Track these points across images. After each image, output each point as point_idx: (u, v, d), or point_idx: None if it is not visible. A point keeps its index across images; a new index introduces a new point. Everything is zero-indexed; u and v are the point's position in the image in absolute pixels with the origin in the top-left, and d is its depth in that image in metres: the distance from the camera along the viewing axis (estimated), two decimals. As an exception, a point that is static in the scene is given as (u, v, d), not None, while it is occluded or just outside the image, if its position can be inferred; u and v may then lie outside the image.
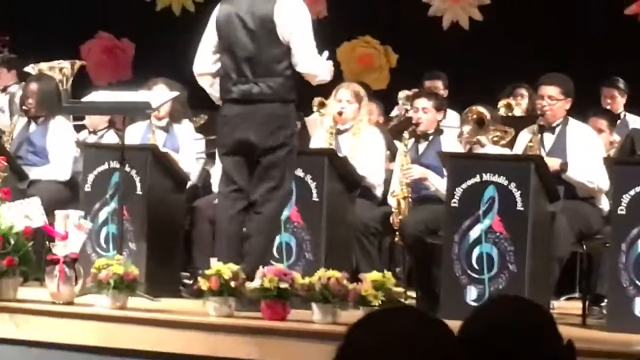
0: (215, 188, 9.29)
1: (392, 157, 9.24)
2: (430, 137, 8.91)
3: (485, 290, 7.66)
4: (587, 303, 8.31)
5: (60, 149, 9.59)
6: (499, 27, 13.13)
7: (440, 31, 13.62)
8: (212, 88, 7.96)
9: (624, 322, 7.38)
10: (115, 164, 8.57)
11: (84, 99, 9.15)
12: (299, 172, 8.26)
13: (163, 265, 8.65)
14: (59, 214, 7.91)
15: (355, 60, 13.74)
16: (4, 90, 11.16)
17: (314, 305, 7.20)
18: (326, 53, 7.91)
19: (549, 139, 8.58)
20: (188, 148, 9.58)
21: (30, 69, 10.50)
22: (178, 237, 9.04)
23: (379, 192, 9.09)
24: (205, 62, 7.91)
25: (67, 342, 7.46)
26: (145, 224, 8.60)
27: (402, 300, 7.30)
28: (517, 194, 7.69)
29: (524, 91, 11.04)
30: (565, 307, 8.66)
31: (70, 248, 7.72)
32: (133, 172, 8.65)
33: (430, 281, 8.25)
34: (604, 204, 8.41)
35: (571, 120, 8.63)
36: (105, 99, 9.05)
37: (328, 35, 13.36)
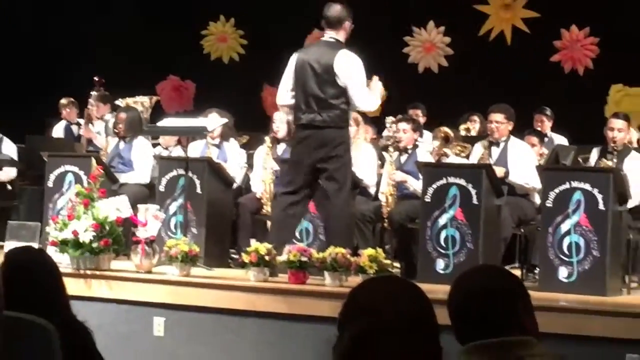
0: (254, 189, 9.31)
1: (381, 165, 9.22)
2: (410, 151, 8.90)
3: (450, 262, 7.64)
4: (524, 271, 8.31)
5: (142, 160, 9.58)
6: (459, 71, 13.15)
7: (417, 73, 13.64)
8: (289, 116, 7.97)
9: (551, 285, 7.36)
10: (181, 171, 8.55)
11: (159, 124, 9.16)
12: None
13: (216, 244, 8.62)
14: (140, 207, 7.91)
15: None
16: (101, 118, 11.16)
17: (326, 273, 7.20)
18: (376, 78, 7.93)
19: (495, 151, 8.55)
20: (234, 160, 9.57)
21: (120, 102, 10.49)
22: (227, 224, 9.01)
23: (372, 190, 9.07)
24: (284, 96, 7.84)
25: (147, 300, 7.49)
26: (204, 215, 8.56)
27: (390, 269, 7.28)
28: (473, 192, 7.67)
29: (476, 117, 11.07)
30: (508, 274, 8.61)
31: (149, 232, 7.74)
32: (194, 177, 8.63)
33: (410, 256, 8.23)
34: (536, 199, 8.39)
35: (512, 137, 8.61)
36: (174, 124, 9.06)
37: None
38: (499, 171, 8.16)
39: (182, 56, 14.41)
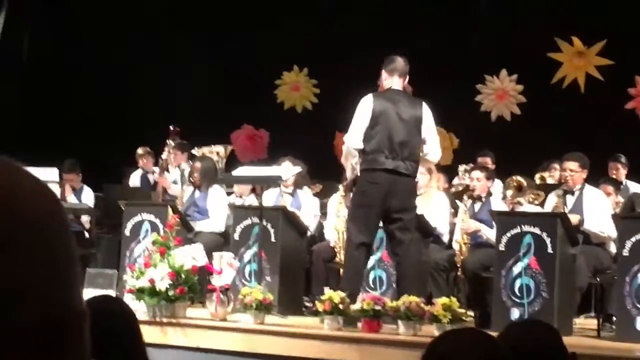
0: (327, 237, 9.32)
1: (454, 214, 9.18)
2: (483, 199, 8.85)
3: (525, 311, 7.55)
4: (600, 320, 8.17)
5: (217, 209, 9.67)
6: (533, 118, 13.06)
7: (489, 122, 13.58)
8: (354, 159, 7.92)
9: (629, 335, 7.25)
10: (256, 220, 8.60)
11: (234, 173, 9.23)
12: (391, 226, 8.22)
13: (290, 292, 8.65)
14: (216, 255, 7.96)
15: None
16: (178, 166, 11.29)
17: (399, 322, 7.16)
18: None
19: (570, 200, 8.48)
20: (308, 208, 9.61)
21: (196, 151, 10.61)
22: (301, 272, 9.03)
23: (445, 239, 9.04)
24: (359, 140, 7.84)
25: (221, 348, 7.50)
26: (278, 263, 8.60)
27: (464, 319, 7.21)
28: (548, 240, 7.58)
29: (557, 165, 10.93)
30: (584, 323, 8.49)
31: (224, 280, 7.77)
32: (268, 225, 8.67)
33: (485, 304, 8.15)
34: (612, 248, 8.29)
35: (587, 186, 8.54)
36: (248, 173, 9.12)
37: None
38: (574, 219, 8.07)
39: (256, 105, 14.52)
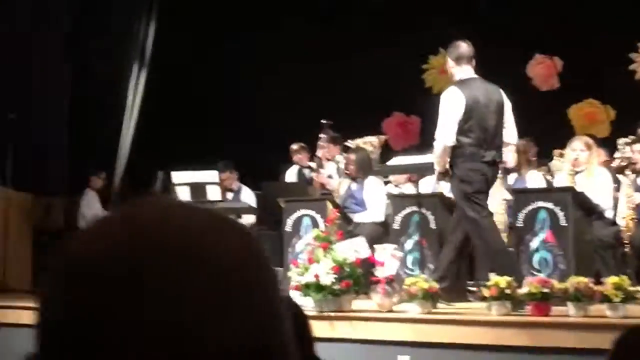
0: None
1: (617, 188, 8.94)
2: (647, 172, 8.61)
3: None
4: None
5: (375, 199, 9.69)
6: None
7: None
8: (445, 152, 7.89)
9: None
10: (414, 208, 8.58)
11: (388, 163, 9.23)
12: (549, 205, 8.10)
13: (455, 279, 8.58)
14: (378, 247, 7.97)
15: (582, 117, 13.40)
16: (332, 159, 11.34)
17: (569, 304, 7.01)
18: None
19: None
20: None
21: (350, 143, 10.65)
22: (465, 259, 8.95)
23: (609, 214, 8.82)
24: (453, 135, 7.85)
25: (391, 339, 7.50)
26: (438, 250, 8.55)
27: (637, 297, 7.01)
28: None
29: None
30: None
31: (388, 271, 7.77)
32: (427, 213, 8.64)
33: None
34: None
35: None
36: (403, 162, 9.10)
37: (561, 99, 13.16)
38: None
39: (404, 91, 14.45)
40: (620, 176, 9.01)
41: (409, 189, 9.94)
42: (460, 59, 7.85)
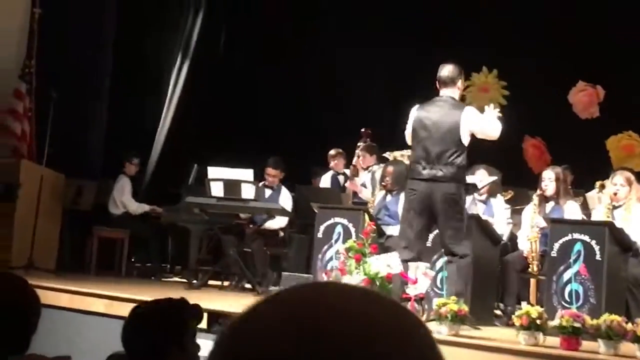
0: (520, 247, 9.12)
1: (654, 226, 8.84)
2: (688, 210, 8.51)
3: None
4: None
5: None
6: None
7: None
8: None
9: None
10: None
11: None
12: (586, 238, 8.02)
13: (482, 303, 8.51)
14: (411, 265, 7.90)
15: (620, 149, 13.29)
16: (367, 169, 11.27)
17: (600, 341, 6.92)
18: (491, 106, 8.30)
19: None
20: (501, 216, 9.44)
21: (388, 155, 10.58)
22: (493, 281, 8.89)
23: (644, 252, 8.71)
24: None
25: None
26: (471, 273, 8.47)
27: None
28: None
29: None
30: None
31: (419, 289, 7.71)
32: (462, 234, 8.55)
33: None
34: None
35: None
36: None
37: (600, 130, 13.03)
38: None
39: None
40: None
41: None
42: (438, 80, 7.94)
